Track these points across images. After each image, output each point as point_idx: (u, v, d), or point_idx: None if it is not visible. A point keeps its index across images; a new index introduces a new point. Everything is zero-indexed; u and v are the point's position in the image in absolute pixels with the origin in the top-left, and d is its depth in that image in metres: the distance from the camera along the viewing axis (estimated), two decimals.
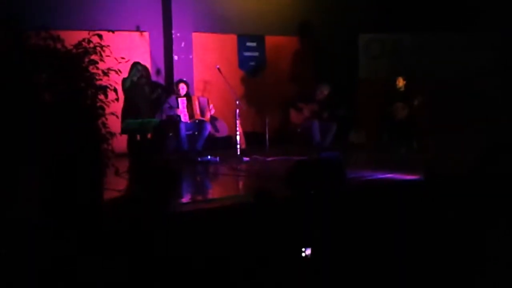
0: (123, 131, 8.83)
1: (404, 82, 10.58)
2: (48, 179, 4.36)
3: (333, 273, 4.29)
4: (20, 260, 3.96)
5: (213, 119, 9.86)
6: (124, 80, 8.89)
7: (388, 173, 7.83)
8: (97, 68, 5.08)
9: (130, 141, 9.14)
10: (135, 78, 9.17)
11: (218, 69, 9.75)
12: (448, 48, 11.31)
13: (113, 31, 5.73)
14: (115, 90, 5.19)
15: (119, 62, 5.55)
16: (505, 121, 9.84)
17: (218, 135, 10.16)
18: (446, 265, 4.37)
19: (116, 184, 5.90)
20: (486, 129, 9.72)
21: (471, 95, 10.74)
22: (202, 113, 9.57)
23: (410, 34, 11.45)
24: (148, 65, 10.29)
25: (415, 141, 10.30)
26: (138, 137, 9.21)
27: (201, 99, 9.74)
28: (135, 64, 9.21)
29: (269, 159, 9.36)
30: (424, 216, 5.33)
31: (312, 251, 4.49)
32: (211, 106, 9.69)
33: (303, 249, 4.45)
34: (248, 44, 11.54)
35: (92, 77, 5.05)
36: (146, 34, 10.32)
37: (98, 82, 5.08)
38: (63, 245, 4.22)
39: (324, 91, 10.28)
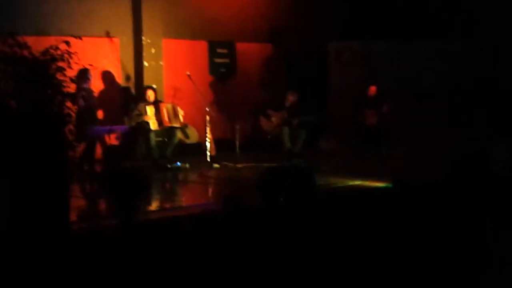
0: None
1: (375, 89, 10.70)
2: (17, 188, 4.32)
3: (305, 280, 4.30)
4: None
5: (183, 126, 9.82)
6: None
7: (358, 180, 7.88)
8: (65, 75, 5.02)
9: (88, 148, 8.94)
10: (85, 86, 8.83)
11: (188, 75, 9.72)
12: (419, 56, 11.45)
13: (80, 38, 5.66)
14: (84, 97, 5.14)
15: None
16: (474, 130, 9.98)
17: (188, 141, 10.12)
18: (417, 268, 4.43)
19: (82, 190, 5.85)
20: (455, 137, 9.86)
21: (441, 103, 10.89)
22: (171, 119, 9.51)
23: (381, 42, 11.56)
24: (118, 71, 10.21)
25: (384, 147, 10.38)
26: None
27: (169, 106, 9.68)
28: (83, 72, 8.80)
29: (239, 165, 9.36)
30: (393, 223, 5.39)
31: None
32: (180, 111, 9.63)
33: None
34: (219, 50, 11.53)
35: (59, 84, 5.00)
36: (116, 40, 10.24)
37: (66, 89, 5.03)
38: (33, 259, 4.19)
39: (292, 97, 10.33)
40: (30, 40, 5.04)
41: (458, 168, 6.84)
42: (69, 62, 5.05)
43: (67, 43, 5.10)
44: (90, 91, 8.72)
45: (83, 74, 8.48)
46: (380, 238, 5.05)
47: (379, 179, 7.63)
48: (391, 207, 5.97)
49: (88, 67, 5.71)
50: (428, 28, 11.09)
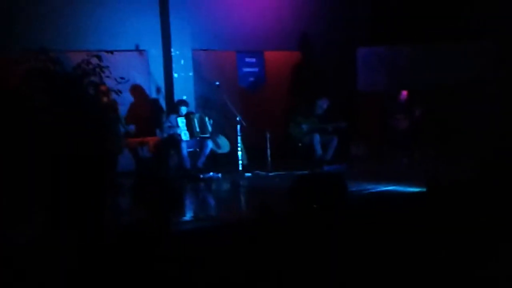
0: None
1: (406, 94, 10.64)
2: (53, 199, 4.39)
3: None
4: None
5: (214, 135, 9.86)
6: None
7: (391, 185, 7.82)
8: (97, 89, 5.10)
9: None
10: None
11: (218, 85, 9.78)
12: (446, 58, 11.33)
13: (112, 52, 5.75)
14: (115, 110, 5.21)
15: (119, 83, 5.56)
16: (504, 129, 9.85)
17: (219, 151, 10.16)
18: (450, 273, 4.37)
19: (120, 202, 5.90)
20: (486, 137, 9.74)
21: (471, 104, 10.75)
22: (203, 130, 9.58)
23: (408, 46, 11.48)
24: (149, 84, 10.31)
25: (416, 151, 10.31)
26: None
27: (200, 116, 9.75)
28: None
29: (271, 174, 9.36)
30: (427, 226, 5.34)
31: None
32: (209, 121, 9.72)
33: None
34: (247, 60, 11.56)
35: (91, 98, 5.08)
36: (145, 53, 10.34)
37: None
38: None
39: (323, 105, 10.32)
40: (61, 55, 5.13)
41: (491, 169, 6.75)
42: (101, 76, 5.12)
43: (99, 57, 5.18)
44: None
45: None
46: (416, 243, 5.01)
47: (412, 183, 7.57)
48: (425, 211, 5.91)
49: (119, 80, 5.76)
50: (456, 29, 10.97)
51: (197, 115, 9.70)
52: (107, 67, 5.24)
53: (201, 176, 9.16)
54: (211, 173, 9.23)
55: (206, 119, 9.71)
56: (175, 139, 9.37)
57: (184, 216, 6.66)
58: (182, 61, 10.51)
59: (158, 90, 10.46)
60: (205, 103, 10.67)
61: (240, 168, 9.52)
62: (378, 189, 7.72)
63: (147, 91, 10.35)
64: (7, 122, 4.58)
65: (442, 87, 10.94)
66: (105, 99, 6.35)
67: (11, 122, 4.59)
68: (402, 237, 5.14)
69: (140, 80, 10.15)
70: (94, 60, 5.18)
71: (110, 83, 5.36)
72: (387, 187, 7.79)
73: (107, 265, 4.19)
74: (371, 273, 4.44)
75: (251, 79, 11.58)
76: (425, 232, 5.22)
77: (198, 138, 9.54)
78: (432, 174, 7.42)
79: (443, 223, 5.42)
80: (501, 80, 10.75)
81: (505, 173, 6.34)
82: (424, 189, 6.87)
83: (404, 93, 10.71)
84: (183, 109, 9.53)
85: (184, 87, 10.44)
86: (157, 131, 9.71)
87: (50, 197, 4.51)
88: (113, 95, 5.85)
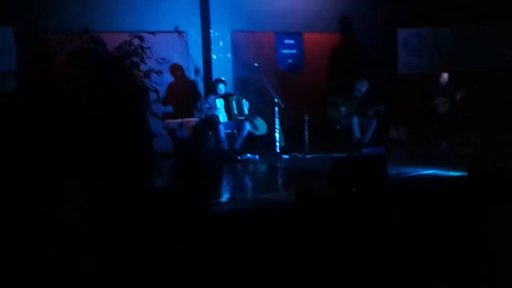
0: None
1: (447, 76, 10.47)
2: (95, 179, 4.44)
3: (377, 272, 4.24)
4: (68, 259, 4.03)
5: (252, 117, 9.86)
6: None
7: (431, 169, 7.73)
8: (139, 70, 5.12)
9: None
10: None
11: (256, 67, 9.75)
12: (488, 41, 11.11)
13: (153, 33, 5.76)
14: (157, 91, 5.23)
15: (160, 63, 5.58)
16: None
17: (257, 133, 10.15)
18: (490, 260, 4.30)
19: (159, 183, 5.94)
20: None
21: None
22: (240, 112, 9.58)
23: (449, 27, 11.28)
24: (187, 65, 10.34)
25: (457, 135, 10.15)
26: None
27: (238, 98, 9.76)
28: None
29: (309, 156, 9.33)
30: (468, 212, 5.26)
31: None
32: (246, 103, 9.71)
33: None
34: (286, 41, 11.51)
35: (134, 78, 5.11)
36: (184, 34, 10.37)
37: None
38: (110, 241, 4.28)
39: (363, 88, 10.20)
40: (103, 36, 5.17)
41: None
42: (142, 57, 5.14)
43: (141, 38, 5.20)
44: None
45: None
46: (456, 229, 4.94)
47: (453, 167, 7.46)
48: (467, 196, 5.83)
49: (160, 62, 5.78)
50: (499, 10, 10.72)
51: (235, 97, 9.71)
52: (149, 48, 5.25)
53: (239, 157, 9.18)
54: (249, 155, 9.24)
55: (244, 100, 9.71)
56: (213, 121, 9.40)
57: (221, 197, 6.67)
58: (221, 43, 10.51)
59: (196, 71, 10.50)
60: (243, 84, 10.67)
61: (278, 150, 9.50)
62: (418, 173, 7.64)
63: (186, 72, 10.40)
64: (53, 103, 4.63)
65: (484, 70, 10.75)
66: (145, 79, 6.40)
67: (56, 103, 4.64)
68: (442, 221, 5.08)
69: (179, 61, 10.20)
70: (136, 41, 5.19)
71: (151, 64, 5.36)
72: (427, 171, 7.70)
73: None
74: (411, 257, 4.39)
75: (290, 60, 11.54)
76: (466, 217, 5.15)
77: (235, 120, 9.55)
78: (474, 159, 7.31)
79: (484, 208, 5.34)
80: None
81: None
82: (465, 174, 6.77)
83: (445, 75, 10.54)
84: (221, 87, 9.54)
85: (223, 68, 10.45)
86: (195, 112, 9.75)
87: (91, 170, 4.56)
88: (154, 76, 5.87)
